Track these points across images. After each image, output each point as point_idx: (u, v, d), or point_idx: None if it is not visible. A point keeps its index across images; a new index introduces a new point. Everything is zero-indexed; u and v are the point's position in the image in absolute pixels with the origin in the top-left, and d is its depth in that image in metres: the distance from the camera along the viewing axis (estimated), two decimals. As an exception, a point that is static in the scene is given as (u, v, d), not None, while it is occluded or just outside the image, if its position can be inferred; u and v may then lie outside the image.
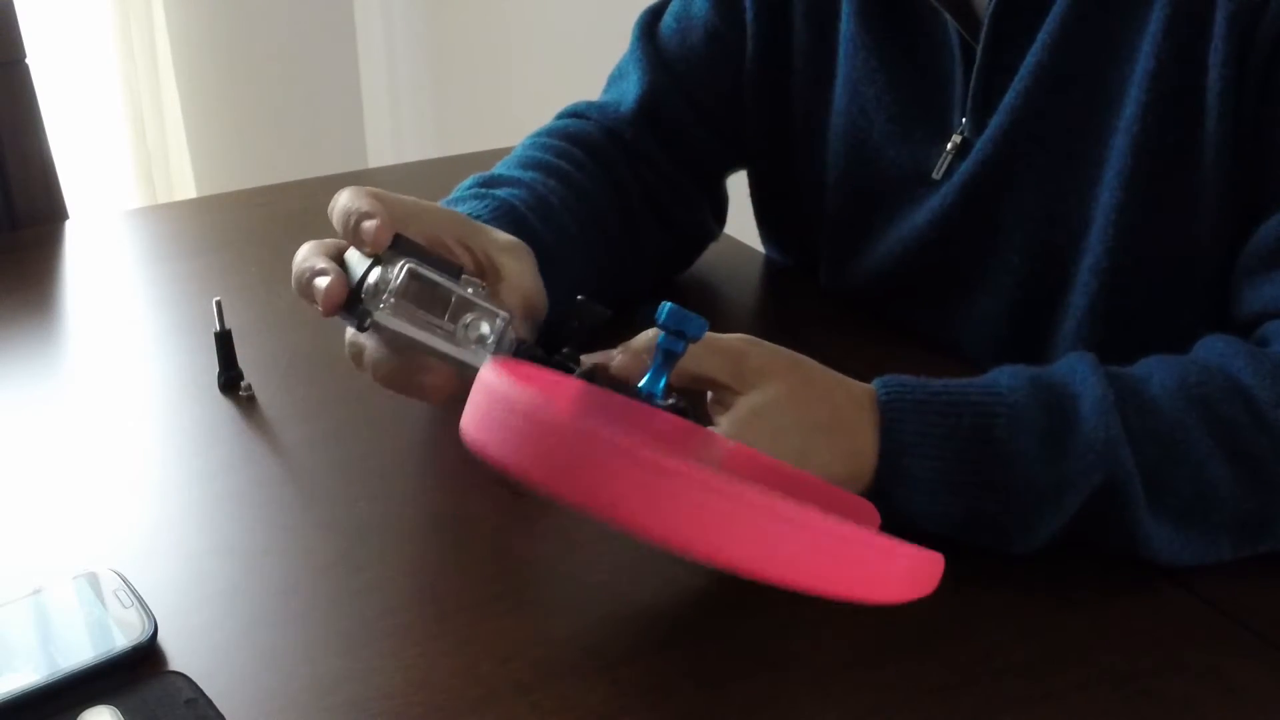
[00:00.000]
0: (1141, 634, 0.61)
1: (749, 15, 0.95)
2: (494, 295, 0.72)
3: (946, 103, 0.86)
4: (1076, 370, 0.65)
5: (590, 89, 1.05)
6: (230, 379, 0.83)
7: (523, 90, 2.25)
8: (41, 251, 1.11)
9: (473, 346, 0.68)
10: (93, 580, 0.63)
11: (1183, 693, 0.57)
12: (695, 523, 0.48)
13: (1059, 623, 0.62)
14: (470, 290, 0.69)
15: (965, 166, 0.84)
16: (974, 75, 0.83)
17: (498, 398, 0.53)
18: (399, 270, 0.67)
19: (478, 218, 0.79)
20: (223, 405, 0.82)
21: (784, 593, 0.61)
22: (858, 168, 0.91)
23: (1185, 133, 0.74)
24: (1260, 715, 0.57)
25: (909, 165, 0.88)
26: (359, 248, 0.70)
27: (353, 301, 0.68)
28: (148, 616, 0.60)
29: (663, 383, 0.63)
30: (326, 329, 0.84)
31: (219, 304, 0.81)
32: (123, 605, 0.61)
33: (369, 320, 0.67)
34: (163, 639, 0.60)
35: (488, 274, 0.74)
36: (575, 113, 1.00)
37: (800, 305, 0.99)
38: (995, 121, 0.82)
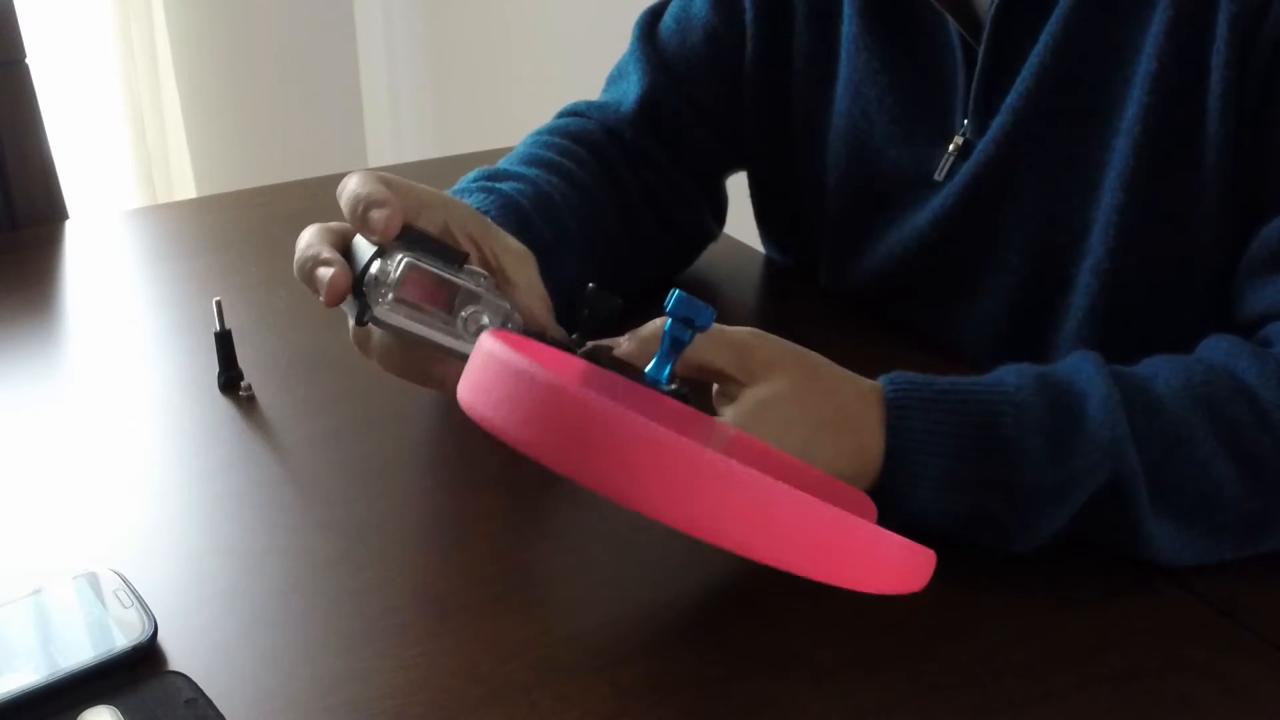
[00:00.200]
0: (1141, 634, 0.61)
1: (748, 16, 0.95)
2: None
3: (948, 104, 0.86)
4: (1082, 369, 0.65)
5: (590, 89, 1.05)
6: (230, 379, 0.83)
7: (523, 90, 2.25)
8: (41, 251, 1.11)
9: (474, 339, 0.67)
10: (93, 580, 0.63)
11: (1183, 693, 0.57)
12: (685, 493, 0.49)
13: (1059, 623, 0.62)
14: (473, 281, 0.68)
15: (967, 168, 0.84)
16: (975, 77, 0.83)
17: (496, 362, 0.53)
18: (398, 265, 0.66)
19: (485, 213, 0.79)
20: (223, 405, 0.82)
21: (784, 593, 0.61)
22: (859, 169, 0.91)
23: (1187, 134, 0.74)
24: (1260, 715, 0.57)
25: (910, 166, 0.88)
26: (366, 235, 0.69)
27: (355, 291, 0.68)
28: (148, 616, 0.60)
29: (668, 370, 0.63)
30: (326, 329, 0.84)
31: (219, 304, 0.81)
32: (123, 605, 0.61)
33: (368, 315, 0.67)
34: (163, 639, 0.60)
35: (495, 277, 0.73)
36: (575, 112, 1.00)
37: (800, 305, 0.99)
38: (997, 123, 0.81)
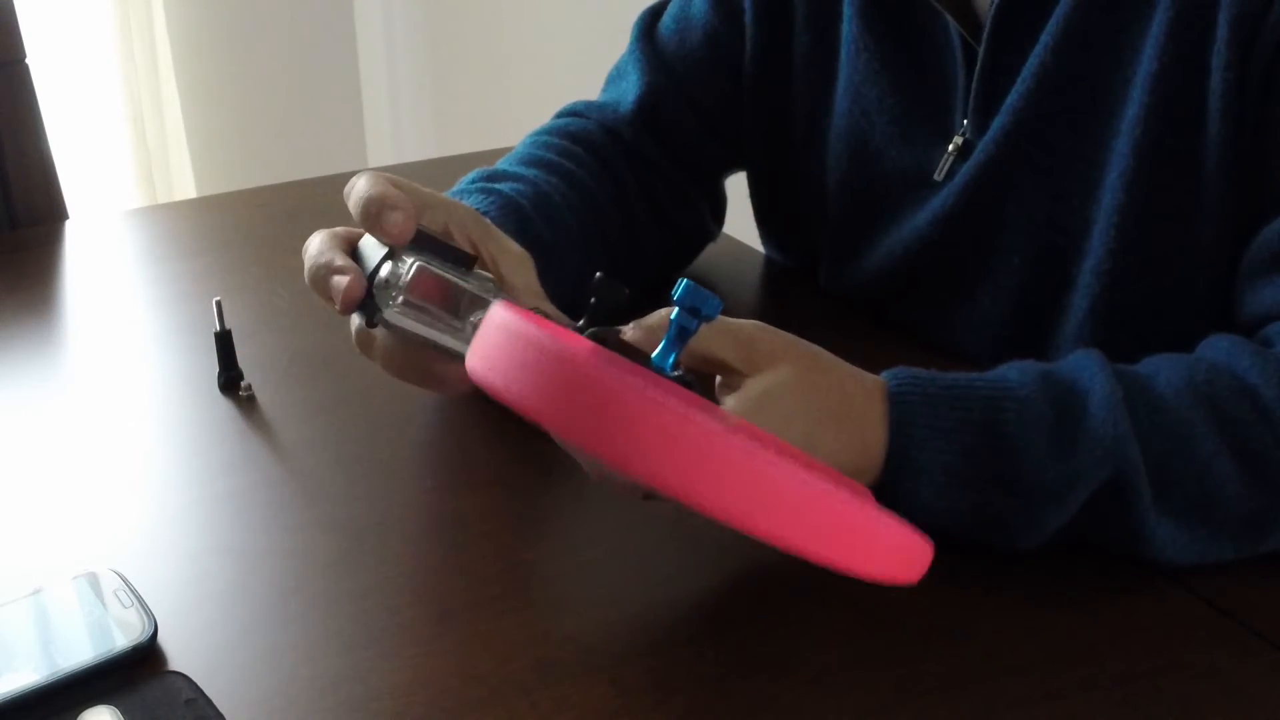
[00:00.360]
0: (1142, 634, 0.61)
1: (748, 17, 0.95)
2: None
3: (948, 104, 0.86)
4: (1085, 367, 0.65)
5: (590, 89, 1.05)
6: (230, 379, 0.83)
7: (522, 90, 2.25)
8: (41, 251, 1.11)
9: None
10: (93, 580, 0.63)
11: (1183, 693, 0.57)
12: (689, 460, 0.49)
13: (1059, 623, 0.62)
14: (481, 285, 0.68)
15: (967, 168, 0.84)
16: (975, 77, 0.83)
17: (507, 331, 0.53)
18: (409, 269, 0.66)
19: (485, 214, 0.79)
20: (223, 405, 0.82)
21: (784, 593, 0.61)
22: (859, 169, 0.91)
23: (1187, 135, 0.74)
24: (1260, 715, 0.57)
25: (910, 167, 0.88)
26: (377, 237, 0.69)
27: (365, 295, 0.68)
28: (148, 616, 0.60)
29: (673, 358, 0.63)
30: (327, 329, 0.84)
31: (219, 304, 0.81)
32: (123, 605, 0.61)
33: (378, 317, 0.67)
34: (163, 639, 0.60)
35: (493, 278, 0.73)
36: (574, 112, 1.00)
37: (800, 305, 0.99)
38: (997, 123, 0.81)
